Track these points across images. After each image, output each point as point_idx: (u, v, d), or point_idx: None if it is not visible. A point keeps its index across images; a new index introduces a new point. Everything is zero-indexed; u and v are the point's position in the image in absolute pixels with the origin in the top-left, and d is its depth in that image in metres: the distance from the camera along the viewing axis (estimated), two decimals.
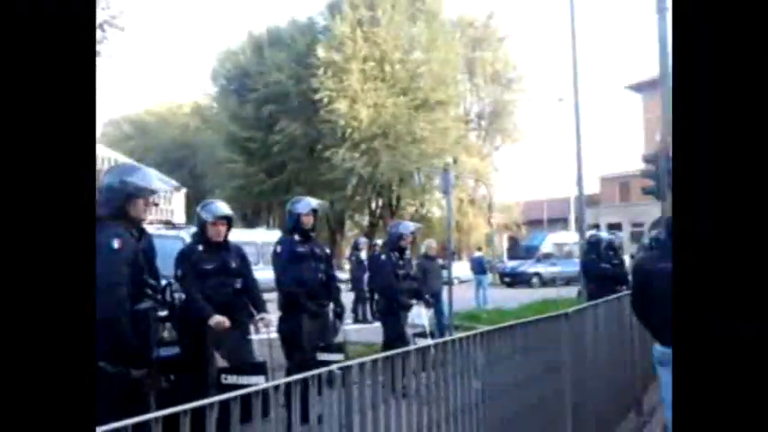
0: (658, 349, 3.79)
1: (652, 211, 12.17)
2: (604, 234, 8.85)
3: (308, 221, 4.46)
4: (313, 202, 4.61)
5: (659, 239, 5.93)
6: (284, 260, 4.36)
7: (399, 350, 2.23)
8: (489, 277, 18.20)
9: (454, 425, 2.39)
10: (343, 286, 11.74)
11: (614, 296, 4.99)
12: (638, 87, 38.64)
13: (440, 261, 10.35)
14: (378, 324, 6.07)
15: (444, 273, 10.19)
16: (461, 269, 26.01)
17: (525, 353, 2.98)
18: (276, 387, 1.54)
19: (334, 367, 1.63)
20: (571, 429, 3.30)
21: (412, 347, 2.30)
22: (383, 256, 5.76)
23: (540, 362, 3.12)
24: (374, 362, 1.98)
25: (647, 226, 25.37)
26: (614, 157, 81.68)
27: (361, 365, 1.92)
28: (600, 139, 77.66)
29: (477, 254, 18.16)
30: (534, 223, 39.52)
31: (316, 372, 1.65)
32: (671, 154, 9.09)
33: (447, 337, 2.70)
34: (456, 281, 20.95)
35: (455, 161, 34.29)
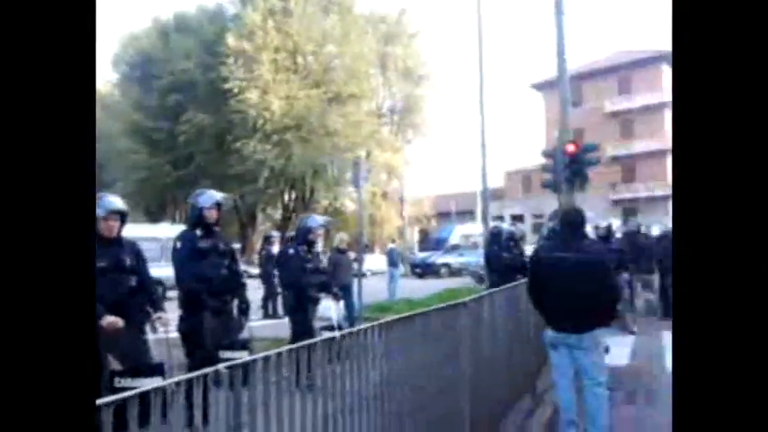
0: (549, 334, 4.05)
1: (552, 204, 12.92)
2: (505, 226, 9.29)
3: (210, 215, 4.33)
4: (216, 194, 4.47)
5: (555, 230, 6.31)
6: (184, 256, 4.21)
7: (299, 344, 2.23)
8: (401, 269, 18.53)
9: (352, 416, 2.42)
10: (254, 281, 11.55)
11: (512, 284, 5.25)
12: (541, 86, 40.77)
13: (351, 254, 10.41)
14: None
15: (357, 266, 10.27)
16: (375, 262, 26.34)
17: (425, 342, 3.08)
18: (159, 389, 1.48)
19: (221, 366, 1.60)
20: (469, 413, 3.46)
21: (307, 341, 2.29)
22: (291, 251, 5.71)
23: (439, 350, 3.24)
24: (266, 358, 1.97)
25: (547, 217, 26.82)
26: (518, 152, 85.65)
27: (264, 360, 1.91)
28: (505, 135, 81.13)
29: (391, 246, 18.43)
30: (444, 216, 40.74)
31: (203, 372, 1.61)
32: (566, 150, 9.69)
33: (346, 330, 2.72)
34: (369, 273, 21.15)
35: (368, 155, 34.52)
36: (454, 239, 29.19)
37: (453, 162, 65.52)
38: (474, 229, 27.10)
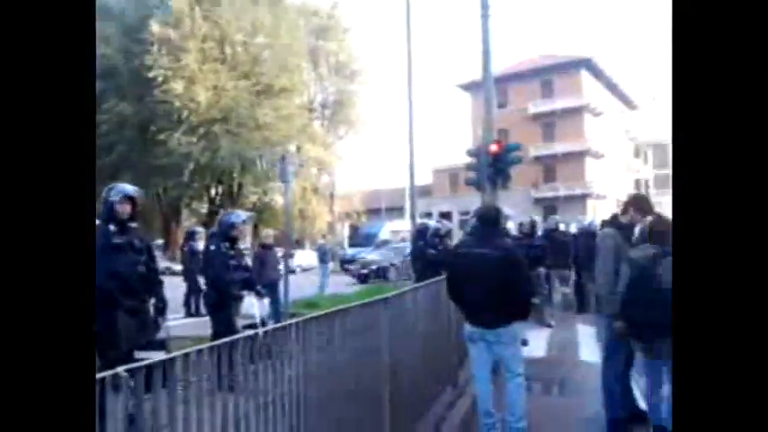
0: (468, 328, 4.18)
1: (478, 201, 13.29)
2: (431, 222, 9.46)
3: (122, 210, 4.15)
4: (128, 188, 4.28)
5: (476, 227, 6.50)
6: (96, 252, 4.01)
7: (218, 342, 2.20)
8: (331, 265, 18.50)
9: (268, 413, 2.41)
10: (177, 279, 11.16)
11: (434, 280, 5.37)
12: (468, 86, 41.81)
13: (278, 250, 10.28)
14: None
15: (289, 261, 10.15)
16: (305, 257, 26.13)
17: (346, 338, 3.10)
18: None
19: (120, 369, 1.54)
20: (388, 408, 3.51)
21: (227, 339, 2.26)
22: (212, 247, 5.57)
23: (360, 345, 3.27)
24: (185, 356, 1.93)
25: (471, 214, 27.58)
26: (446, 150, 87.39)
27: (184, 357, 1.88)
28: (435, 134, 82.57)
29: (321, 242, 18.38)
30: (374, 212, 41.00)
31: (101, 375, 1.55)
32: (489, 149, 10.00)
33: (265, 328, 2.70)
34: (299, 269, 20.96)
35: (299, 149, 34.15)
36: (384, 235, 29.46)
37: (384, 158, 66.05)
38: (403, 226, 27.47)
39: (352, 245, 33.91)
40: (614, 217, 4.54)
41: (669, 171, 57.26)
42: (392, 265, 18.85)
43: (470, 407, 4.78)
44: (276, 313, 8.81)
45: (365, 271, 19.31)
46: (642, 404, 4.34)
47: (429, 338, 4.80)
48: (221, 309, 5.35)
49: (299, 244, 36.04)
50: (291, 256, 20.11)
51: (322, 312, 2.98)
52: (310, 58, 37.94)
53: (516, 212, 9.97)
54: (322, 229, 33.50)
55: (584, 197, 39.62)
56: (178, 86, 28.56)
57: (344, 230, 40.74)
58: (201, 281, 10.54)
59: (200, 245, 12.23)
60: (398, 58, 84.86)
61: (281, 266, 10.02)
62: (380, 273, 18.94)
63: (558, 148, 40.92)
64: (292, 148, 33.00)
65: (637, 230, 4.76)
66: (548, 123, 41.84)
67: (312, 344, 2.77)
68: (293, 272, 9.87)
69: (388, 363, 3.57)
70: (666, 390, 3.95)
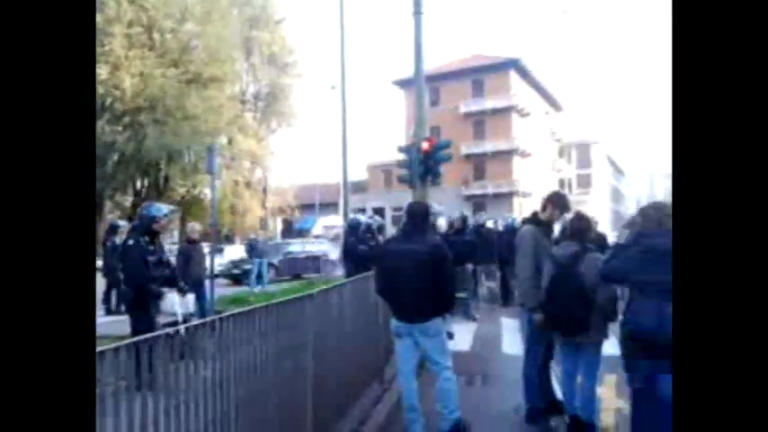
0: (394, 323, 4.21)
1: (411, 198, 13.40)
2: (363, 218, 9.48)
3: None
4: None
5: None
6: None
7: (135, 339, 2.11)
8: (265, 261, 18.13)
9: (189, 411, 2.34)
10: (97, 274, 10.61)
11: (361, 275, 5.38)
12: (402, 83, 42.18)
13: (204, 245, 9.98)
14: None
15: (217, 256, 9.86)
16: (236, 252, 25.50)
17: (268, 334, 3.05)
18: None
19: None
20: (311, 404, 3.49)
21: (144, 336, 2.17)
22: (130, 241, 5.32)
23: (283, 342, 3.22)
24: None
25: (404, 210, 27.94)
26: (381, 146, 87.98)
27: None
28: (370, 129, 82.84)
29: (252, 236, 18.02)
30: (308, 207, 40.63)
31: None
32: (420, 146, 10.11)
33: (185, 324, 2.62)
34: (229, 264, 20.39)
35: (230, 142, 33.28)
36: (317, 231, 29.28)
37: (319, 153, 65.57)
38: (336, 221, 27.41)
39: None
40: (534, 214, 4.71)
41: (591, 171, 60.23)
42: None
43: (396, 402, 4.83)
44: (202, 310, 8.55)
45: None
46: (560, 394, 4.53)
47: (356, 335, 4.80)
48: (140, 306, 5.12)
49: (228, 239, 35.18)
50: (220, 251, 19.63)
51: (243, 309, 2.92)
52: (243, 48, 37.03)
53: (447, 209, 10.15)
54: (253, 224, 32.81)
55: (511, 195, 40.96)
56: (102, 72, 27.12)
57: (277, 225, 40.15)
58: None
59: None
60: (333, 52, 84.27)
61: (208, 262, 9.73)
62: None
63: (488, 146, 42.09)
64: (223, 140, 32.13)
65: (558, 227, 4.97)
66: (478, 122, 42.92)
67: (233, 341, 2.72)
68: (214, 270, 9.55)
69: (312, 359, 3.54)
70: (580, 381, 4.15)
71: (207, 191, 33.13)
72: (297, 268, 19.27)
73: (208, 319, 2.62)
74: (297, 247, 20.86)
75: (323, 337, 3.80)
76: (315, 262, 19.62)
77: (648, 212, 3.32)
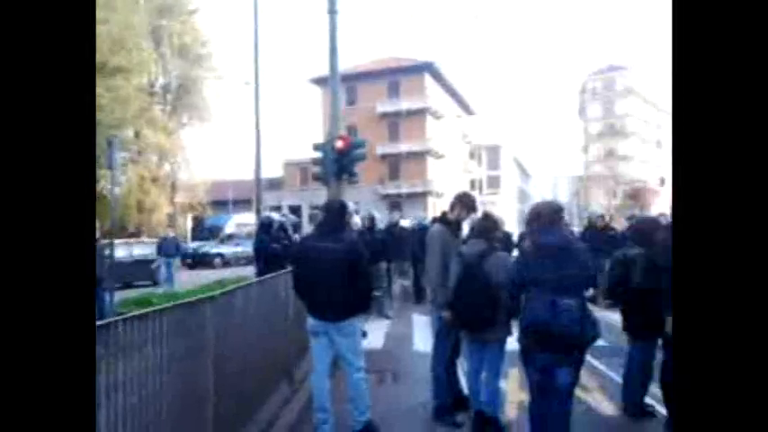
0: (310, 321, 4.15)
1: (326, 195, 13.32)
2: (276, 215, 9.31)
3: None
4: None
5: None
6: None
7: None
8: (177, 259, 17.34)
9: None
10: None
11: (272, 275, 5.27)
12: (318, 81, 41.92)
13: (105, 243, 9.40)
14: None
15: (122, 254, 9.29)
16: (142, 250, 24.24)
17: (166, 337, 2.90)
18: None
19: None
20: (213, 407, 3.36)
21: None
22: None
23: (182, 345, 3.08)
24: None
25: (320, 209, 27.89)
26: (298, 143, 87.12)
27: None
28: (287, 126, 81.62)
29: (163, 234, 17.24)
30: (220, 204, 39.38)
31: None
32: (335, 145, 10.08)
33: None
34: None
35: (137, 135, 31.60)
36: (230, 228, 28.42)
37: (233, 149, 63.74)
38: (250, 219, 26.75)
39: (195, 238, 32.24)
40: (444, 214, 4.81)
41: (500, 172, 62.85)
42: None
43: (306, 402, 4.77)
44: (102, 311, 8.04)
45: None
46: (466, 390, 4.65)
47: (265, 336, 4.68)
48: None
49: (134, 237, 33.34)
50: (112, 248, 18.48)
51: (143, 311, 2.76)
52: (152, 38, 35.21)
53: (362, 208, 10.19)
54: (161, 221, 31.30)
55: (425, 194, 41.86)
56: None
57: (187, 223, 38.54)
58: None
59: None
60: (248, 47, 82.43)
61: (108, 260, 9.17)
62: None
63: (403, 147, 42.78)
64: (129, 133, 30.47)
65: (466, 226, 5.10)
66: (393, 123, 43.50)
67: (132, 343, 2.56)
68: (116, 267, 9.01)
69: (213, 362, 3.40)
70: (485, 376, 4.28)
71: (110, 186, 31.24)
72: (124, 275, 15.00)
73: (105, 321, 2.44)
74: (122, 251, 15.62)
75: (226, 338, 3.67)
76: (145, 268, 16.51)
77: (539, 210, 3.48)
